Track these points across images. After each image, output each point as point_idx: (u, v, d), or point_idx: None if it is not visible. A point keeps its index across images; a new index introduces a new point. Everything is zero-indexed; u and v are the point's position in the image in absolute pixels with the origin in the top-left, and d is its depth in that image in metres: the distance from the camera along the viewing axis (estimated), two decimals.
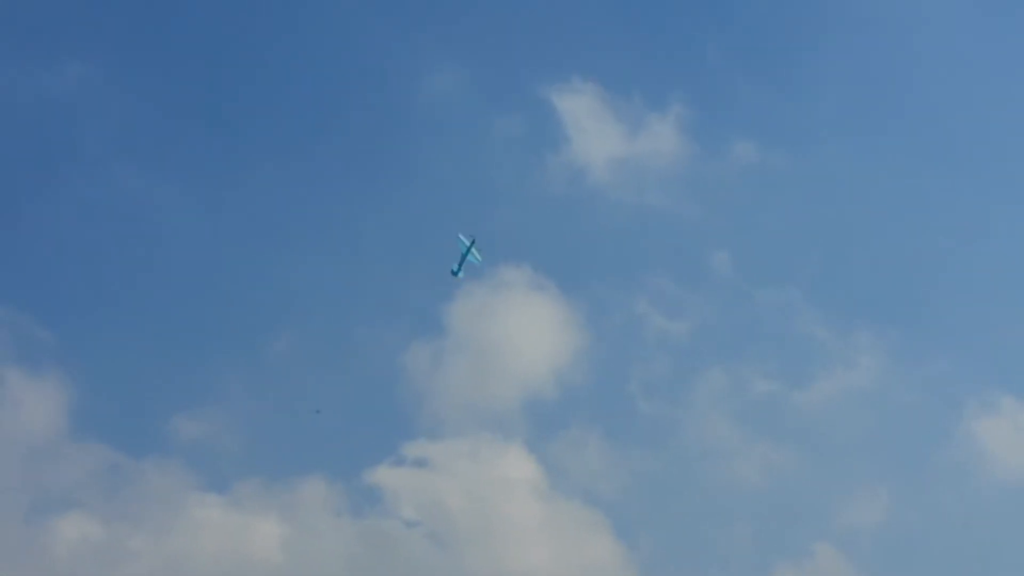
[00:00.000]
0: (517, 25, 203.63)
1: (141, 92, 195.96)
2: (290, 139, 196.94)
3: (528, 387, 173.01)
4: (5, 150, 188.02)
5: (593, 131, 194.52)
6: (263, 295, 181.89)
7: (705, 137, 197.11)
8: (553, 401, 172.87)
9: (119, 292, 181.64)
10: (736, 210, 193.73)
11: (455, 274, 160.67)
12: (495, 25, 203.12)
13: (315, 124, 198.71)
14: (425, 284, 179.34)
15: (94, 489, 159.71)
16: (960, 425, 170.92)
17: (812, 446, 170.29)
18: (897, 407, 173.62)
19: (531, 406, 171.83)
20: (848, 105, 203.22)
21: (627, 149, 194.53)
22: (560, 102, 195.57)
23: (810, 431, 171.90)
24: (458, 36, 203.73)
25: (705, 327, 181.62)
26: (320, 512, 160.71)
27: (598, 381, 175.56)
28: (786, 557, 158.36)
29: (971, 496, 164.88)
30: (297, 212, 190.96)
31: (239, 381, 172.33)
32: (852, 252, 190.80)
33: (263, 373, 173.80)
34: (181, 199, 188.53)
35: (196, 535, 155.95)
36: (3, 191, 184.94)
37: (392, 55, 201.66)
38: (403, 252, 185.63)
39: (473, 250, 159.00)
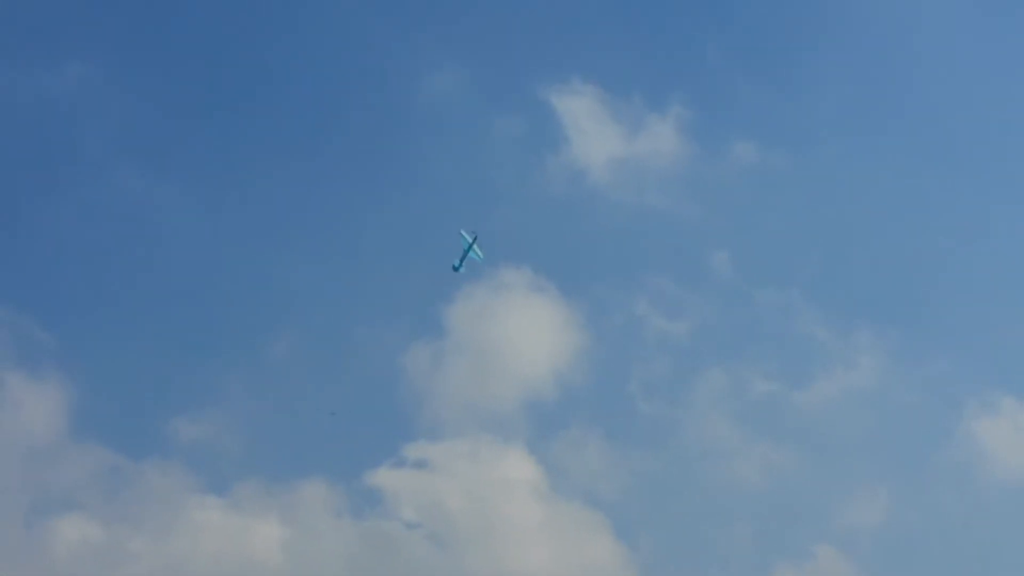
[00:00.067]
0: (517, 26, 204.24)
1: (141, 93, 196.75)
2: (290, 140, 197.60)
3: (528, 388, 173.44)
4: (5, 151, 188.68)
5: (593, 132, 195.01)
6: (263, 296, 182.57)
7: (705, 138, 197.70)
8: (553, 402, 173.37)
9: (119, 293, 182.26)
10: (736, 210, 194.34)
11: (456, 269, 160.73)
12: (495, 26, 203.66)
13: (315, 125, 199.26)
14: (425, 285, 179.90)
15: (94, 491, 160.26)
16: (960, 425, 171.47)
17: (812, 446, 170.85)
18: (897, 407, 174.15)
19: (531, 407, 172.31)
20: (848, 105, 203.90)
21: (627, 150, 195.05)
22: (560, 103, 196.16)
23: (810, 431, 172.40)
24: (458, 37, 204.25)
25: (705, 327, 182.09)
26: (320, 514, 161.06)
27: (598, 382, 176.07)
28: (786, 557, 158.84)
29: (971, 496, 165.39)
30: (297, 213, 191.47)
31: (239, 383, 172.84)
32: (852, 252, 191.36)
33: (263, 374, 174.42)
34: (181, 200, 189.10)
35: (196, 537, 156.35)
36: (3, 192, 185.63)
37: (392, 56, 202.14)
38: (403, 253, 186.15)
39: (475, 247, 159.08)
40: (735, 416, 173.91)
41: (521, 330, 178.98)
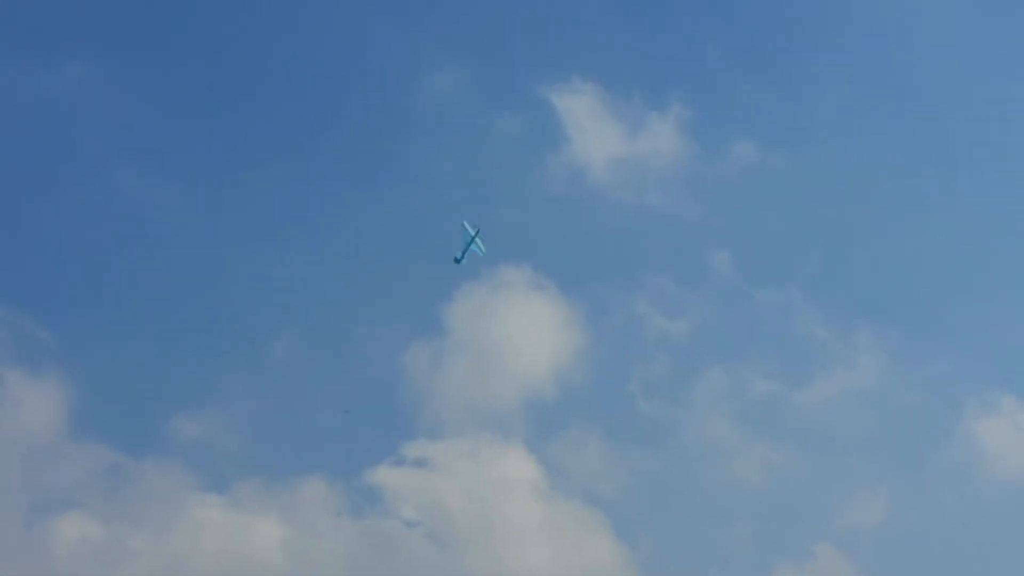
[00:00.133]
0: (517, 25, 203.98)
1: (141, 92, 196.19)
2: (290, 139, 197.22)
3: (528, 387, 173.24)
4: (5, 150, 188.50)
5: (593, 131, 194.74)
6: (263, 295, 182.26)
7: (705, 137, 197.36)
8: (553, 401, 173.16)
9: (119, 292, 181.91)
10: (736, 210, 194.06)
11: (458, 261, 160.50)
12: (495, 25, 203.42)
13: (315, 124, 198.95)
14: (425, 284, 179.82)
15: (94, 489, 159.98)
16: (960, 425, 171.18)
17: (812, 446, 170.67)
18: (897, 407, 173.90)
19: (531, 406, 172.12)
20: (848, 105, 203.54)
21: (627, 149, 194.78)
22: (560, 102, 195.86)
23: (810, 431, 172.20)
24: (458, 36, 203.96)
25: (705, 327, 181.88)
26: (320, 512, 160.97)
27: (598, 381, 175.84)
28: (786, 557, 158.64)
29: (971, 496, 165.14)
30: (297, 212, 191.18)
31: (239, 381, 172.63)
32: (852, 252, 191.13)
33: (263, 373, 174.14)
34: (181, 199, 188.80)
35: (196, 535, 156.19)
36: (3, 192, 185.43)
37: (392, 55, 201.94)
38: (403, 252, 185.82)
39: (477, 240, 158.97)
40: (735, 416, 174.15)
41: (521, 329, 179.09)
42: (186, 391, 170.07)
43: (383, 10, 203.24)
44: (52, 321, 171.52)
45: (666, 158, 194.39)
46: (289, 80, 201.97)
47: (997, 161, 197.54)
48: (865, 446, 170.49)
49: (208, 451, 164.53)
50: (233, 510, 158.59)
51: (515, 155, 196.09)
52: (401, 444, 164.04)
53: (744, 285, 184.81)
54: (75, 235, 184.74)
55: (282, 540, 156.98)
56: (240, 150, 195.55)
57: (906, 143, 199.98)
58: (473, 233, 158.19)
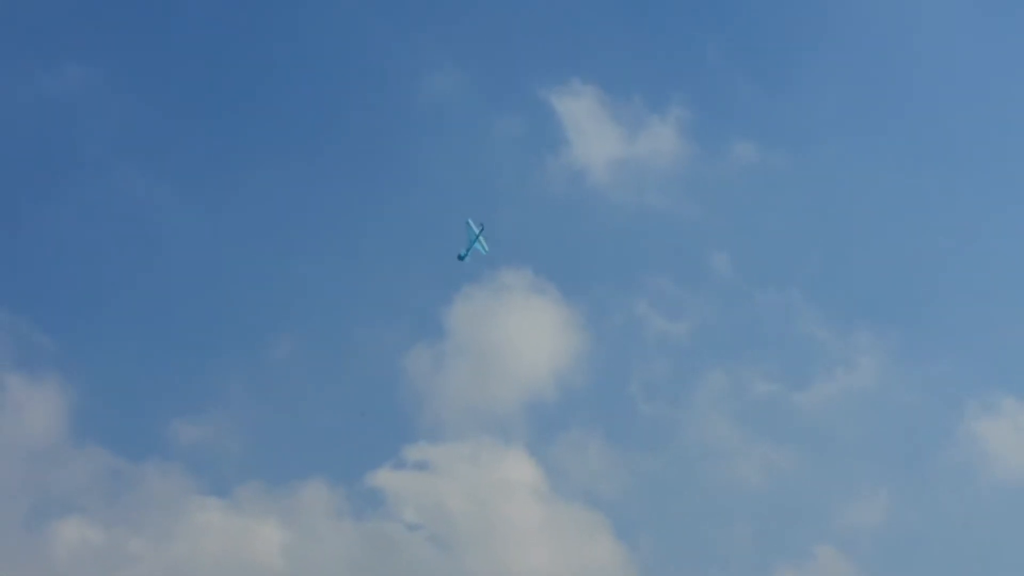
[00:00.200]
0: (517, 27, 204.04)
1: (141, 94, 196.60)
2: (290, 141, 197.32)
3: (529, 389, 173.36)
4: (5, 153, 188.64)
5: (593, 133, 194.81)
6: (263, 298, 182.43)
7: (705, 138, 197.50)
8: (554, 403, 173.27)
9: (119, 296, 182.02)
10: (736, 211, 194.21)
11: (461, 258, 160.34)
12: (495, 27, 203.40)
13: (315, 126, 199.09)
14: (425, 287, 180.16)
15: (94, 493, 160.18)
16: (961, 426, 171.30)
17: (813, 447, 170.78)
18: (898, 408, 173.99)
19: (532, 408, 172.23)
20: (848, 105, 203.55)
21: (627, 151, 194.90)
22: (560, 104, 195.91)
23: (811, 432, 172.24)
24: (458, 38, 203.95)
25: (705, 328, 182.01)
26: (321, 515, 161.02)
27: (598, 383, 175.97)
28: (787, 558, 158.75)
29: (972, 497, 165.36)
30: (297, 215, 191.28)
31: (239, 384, 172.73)
32: (852, 252, 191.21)
33: (263, 376, 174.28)
34: (181, 201, 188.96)
35: (197, 539, 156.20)
36: (2, 194, 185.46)
37: (392, 56, 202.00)
38: (403, 254, 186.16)
39: (481, 238, 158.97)
40: (735, 416, 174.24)
41: (521, 331, 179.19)
42: (186, 394, 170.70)
43: (383, 11, 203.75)
44: (51, 325, 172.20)
45: (666, 159, 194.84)
46: (289, 82, 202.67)
47: (997, 161, 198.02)
48: (865, 447, 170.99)
49: (208, 455, 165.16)
50: (234, 514, 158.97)
51: (515, 157, 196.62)
52: (402, 447, 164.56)
53: (744, 286, 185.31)
54: (74, 237, 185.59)
55: (283, 544, 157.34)
56: (240, 152, 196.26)
57: (906, 143, 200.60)
58: (478, 231, 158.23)
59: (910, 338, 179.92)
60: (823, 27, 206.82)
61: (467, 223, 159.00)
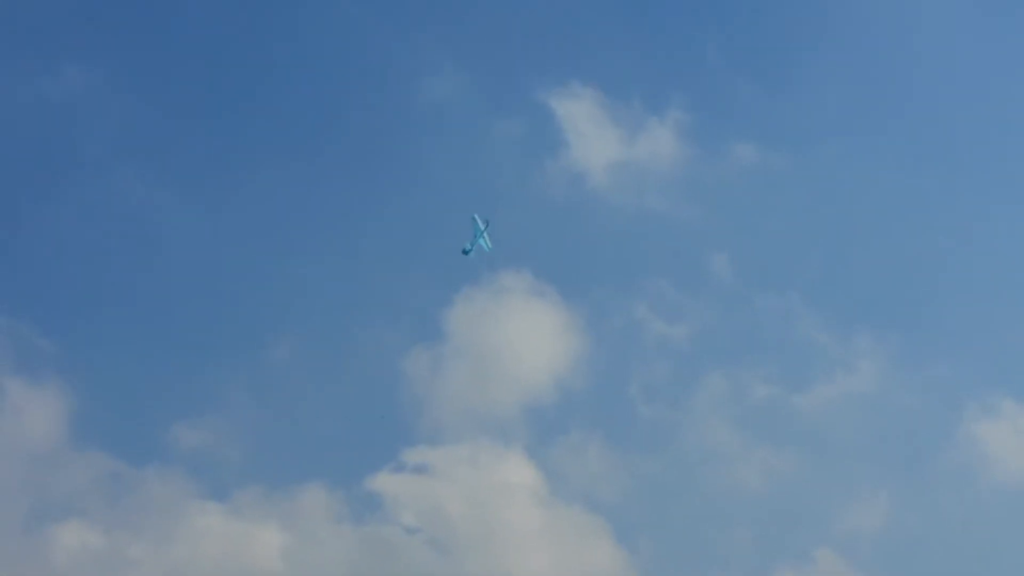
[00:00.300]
0: (516, 29, 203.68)
1: (141, 95, 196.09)
2: (290, 144, 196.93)
3: (528, 392, 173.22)
4: (4, 154, 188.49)
5: (592, 135, 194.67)
6: (263, 301, 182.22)
7: (704, 140, 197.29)
8: (553, 406, 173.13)
9: (119, 298, 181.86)
10: (736, 213, 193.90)
11: (466, 253, 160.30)
12: (494, 29, 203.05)
13: (315, 128, 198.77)
14: (425, 289, 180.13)
15: (94, 497, 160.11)
16: (961, 428, 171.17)
17: (813, 450, 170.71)
18: (897, 411, 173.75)
19: (531, 411, 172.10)
20: (848, 107, 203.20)
21: (626, 153, 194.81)
22: (559, 106, 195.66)
23: (810, 435, 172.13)
24: (457, 40, 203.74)
25: (705, 331, 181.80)
26: (321, 519, 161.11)
27: (598, 386, 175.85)
28: (787, 562, 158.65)
29: (972, 500, 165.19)
30: (297, 217, 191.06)
31: (239, 388, 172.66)
32: (852, 255, 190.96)
33: (263, 380, 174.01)
34: (181, 204, 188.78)
35: (197, 543, 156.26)
36: (2, 196, 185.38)
37: (391, 58, 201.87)
38: (403, 256, 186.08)
39: (485, 235, 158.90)
40: (735, 420, 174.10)
41: (521, 334, 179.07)
42: (186, 398, 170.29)
43: (383, 13, 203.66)
44: (51, 328, 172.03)
45: (665, 162, 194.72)
46: (289, 84, 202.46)
47: (997, 163, 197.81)
48: (865, 450, 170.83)
49: (208, 459, 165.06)
50: (233, 518, 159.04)
51: (514, 160, 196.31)
52: (401, 450, 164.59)
53: (744, 289, 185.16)
54: (74, 239, 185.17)
55: (283, 548, 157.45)
56: (240, 154, 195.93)
57: (906, 145, 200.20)
58: (483, 227, 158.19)
59: (910, 341, 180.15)
60: (822, 28, 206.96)
61: (473, 218, 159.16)
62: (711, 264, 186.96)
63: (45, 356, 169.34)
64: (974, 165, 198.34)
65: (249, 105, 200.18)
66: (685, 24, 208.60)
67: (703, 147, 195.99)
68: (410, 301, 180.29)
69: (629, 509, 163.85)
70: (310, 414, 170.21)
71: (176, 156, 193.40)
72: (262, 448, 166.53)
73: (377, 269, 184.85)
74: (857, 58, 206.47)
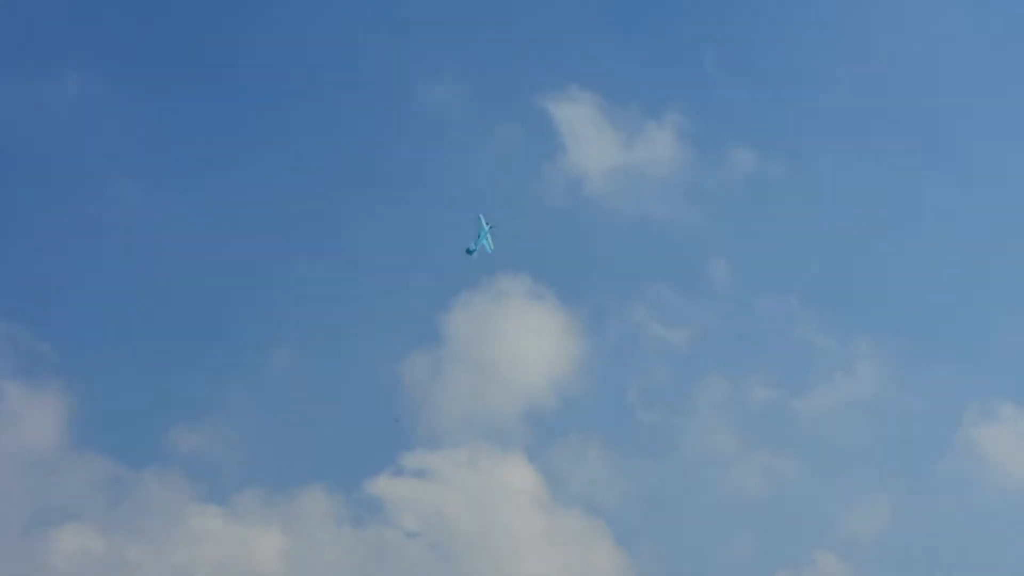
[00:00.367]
0: (515, 34, 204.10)
1: (140, 103, 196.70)
2: (289, 150, 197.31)
3: (528, 396, 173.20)
4: (4, 161, 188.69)
5: (590, 140, 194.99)
6: (262, 306, 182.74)
7: (703, 145, 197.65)
8: (553, 410, 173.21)
9: (118, 303, 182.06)
10: (734, 218, 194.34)
11: (470, 253, 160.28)
12: (493, 35, 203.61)
13: (314, 134, 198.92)
14: (424, 294, 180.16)
15: (94, 501, 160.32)
16: (960, 432, 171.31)
17: (812, 454, 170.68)
18: (897, 415, 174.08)
19: (531, 415, 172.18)
20: (846, 112, 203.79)
21: (625, 158, 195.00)
22: (557, 111, 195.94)
23: (810, 439, 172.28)
24: (456, 45, 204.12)
25: (704, 335, 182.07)
26: (320, 523, 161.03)
27: (598, 390, 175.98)
28: (787, 565, 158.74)
29: (972, 503, 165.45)
30: (295, 223, 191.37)
31: (238, 392, 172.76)
32: (851, 260, 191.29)
33: (262, 383, 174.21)
34: (180, 210, 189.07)
35: (196, 546, 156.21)
36: (1, 202, 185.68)
37: (391, 64, 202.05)
38: (402, 261, 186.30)
39: (488, 236, 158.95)
40: (735, 424, 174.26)
41: (520, 338, 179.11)
42: (185, 402, 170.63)
43: (381, 20, 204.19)
44: (51, 333, 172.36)
45: (664, 167, 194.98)
46: (288, 91, 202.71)
47: (996, 169, 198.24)
48: (865, 454, 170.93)
49: (208, 462, 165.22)
50: (233, 521, 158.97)
51: (513, 164, 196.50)
52: (401, 454, 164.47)
53: (743, 293, 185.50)
54: (73, 245, 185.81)
55: (282, 551, 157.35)
56: (239, 162, 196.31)
57: (904, 151, 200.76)
58: (487, 228, 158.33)
59: (909, 345, 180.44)
60: (821, 35, 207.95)
61: (478, 217, 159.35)
62: (710, 268, 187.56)
63: (44, 360, 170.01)
64: (971, 171, 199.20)
65: (249, 112, 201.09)
66: (683, 29, 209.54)
67: (702, 152, 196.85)
68: (409, 305, 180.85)
69: (629, 513, 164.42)
70: (310, 418, 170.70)
71: (175, 162, 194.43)
72: (262, 451, 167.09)
73: (376, 274, 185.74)
74: (855, 66, 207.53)
